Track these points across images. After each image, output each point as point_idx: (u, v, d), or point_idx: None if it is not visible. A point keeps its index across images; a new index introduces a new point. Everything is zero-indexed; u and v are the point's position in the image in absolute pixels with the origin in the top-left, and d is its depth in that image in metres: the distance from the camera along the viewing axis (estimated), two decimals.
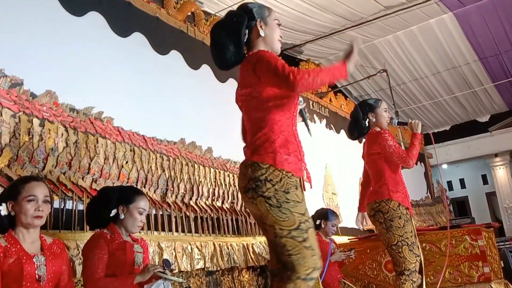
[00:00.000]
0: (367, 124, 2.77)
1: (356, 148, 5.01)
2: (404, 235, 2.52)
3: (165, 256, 2.72)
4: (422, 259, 2.52)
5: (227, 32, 1.67)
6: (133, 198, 1.98)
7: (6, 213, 1.62)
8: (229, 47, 1.65)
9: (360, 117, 2.78)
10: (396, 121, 2.79)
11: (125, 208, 1.96)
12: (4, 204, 1.62)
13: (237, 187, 3.69)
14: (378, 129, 2.74)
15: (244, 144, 1.70)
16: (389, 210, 2.55)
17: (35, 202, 1.62)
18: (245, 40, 1.67)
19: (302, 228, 1.47)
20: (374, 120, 2.74)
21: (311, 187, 1.63)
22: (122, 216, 1.95)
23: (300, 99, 1.73)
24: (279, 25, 1.72)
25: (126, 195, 1.99)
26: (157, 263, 2.64)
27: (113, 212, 1.95)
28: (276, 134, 1.56)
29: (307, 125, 1.81)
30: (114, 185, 2.62)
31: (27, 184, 1.64)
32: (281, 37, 1.72)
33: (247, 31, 1.66)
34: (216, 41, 1.70)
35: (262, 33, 1.66)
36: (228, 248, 3.31)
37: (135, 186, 2.76)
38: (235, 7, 1.76)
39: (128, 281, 1.79)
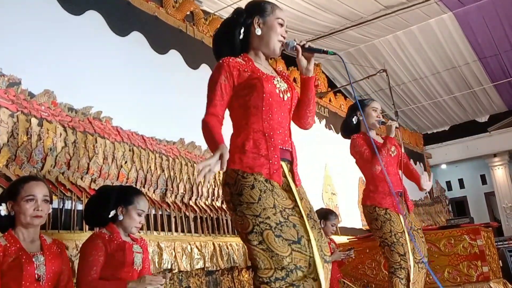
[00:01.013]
0: (354, 122, 2.79)
1: None
2: (383, 236, 2.55)
3: (164, 257, 2.71)
4: (411, 257, 2.50)
5: (222, 32, 1.66)
6: (132, 199, 1.96)
7: (6, 213, 1.62)
8: (224, 48, 1.62)
9: (349, 115, 2.83)
10: (380, 121, 2.80)
11: (124, 209, 1.94)
12: (4, 204, 1.62)
13: None
14: (364, 130, 2.76)
15: None
16: (367, 213, 2.65)
17: (34, 202, 1.62)
18: (240, 39, 1.62)
19: (256, 231, 1.39)
20: (361, 118, 2.76)
21: (279, 184, 1.50)
22: (120, 217, 1.93)
23: (289, 42, 1.60)
24: (282, 24, 1.63)
25: (125, 195, 1.97)
26: (156, 264, 2.63)
27: (112, 213, 1.93)
28: (237, 136, 1.54)
29: (320, 51, 1.59)
30: (114, 185, 2.60)
31: (26, 184, 1.64)
32: (283, 37, 1.63)
33: (243, 30, 1.61)
34: (214, 41, 1.69)
35: (257, 32, 1.60)
36: (227, 248, 3.30)
37: (134, 186, 2.75)
38: (234, 6, 1.73)
39: (120, 286, 1.76)
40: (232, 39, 1.61)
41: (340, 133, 3.01)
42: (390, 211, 2.57)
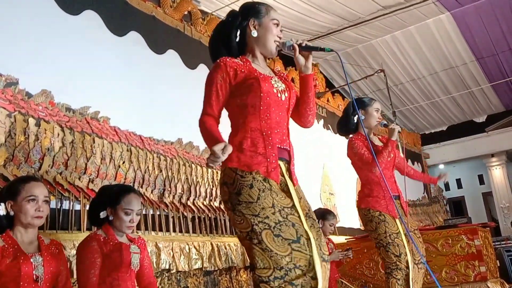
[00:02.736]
0: (355, 121, 2.75)
1: None
2: (378, 237, 2.56)
3: (162, 257, 2.71)
4: (409, 259, 2.48)
5: (218, 34, 1.67)
6: (119, 199, 1.92)
7: (5, 213, 1.61)
8: (221, 50, 1.63)
9: (350, 113, 2.78)
10: (383, 123, 2.78)
11: (112, 210, 1.92)
12: (3, 204, 1.61)
13: None
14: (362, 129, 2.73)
15: None
16: (362, 216, 2.66)
17: (35, 202, 1.61)
18: (237, 41, 1.63)
19: (255, 231, 1.39)
20: (363, 117, 2.73)
21: (277, 183, 1.50)
22: (111, 218, 1.92)
23: (286, 41, 1.61)
24: (277, 24, 1.64)
25: (113, 196, 1.94)
26: (154, 264, 2.63)
27: (102, 214, 1.91)
28: (235, 135, 1.55)
29: (318, 49, 1.62)
30: (112, 184, 2.60)
31: (27, 184, 1.63)
32: (279, 37, 1.64)
33: (238, 32, 1.62)
34: (210, 43, 1.71)
35: (253, 34, 1.61)
36: (225, 248, 3.30)
37: (131, 185, 2.74)
38: (232, 6, 1.74)
39: None
40: (229, 42, 1.63)
41: (337, 131, 2.98)
42: (384, 213, 2.58)
